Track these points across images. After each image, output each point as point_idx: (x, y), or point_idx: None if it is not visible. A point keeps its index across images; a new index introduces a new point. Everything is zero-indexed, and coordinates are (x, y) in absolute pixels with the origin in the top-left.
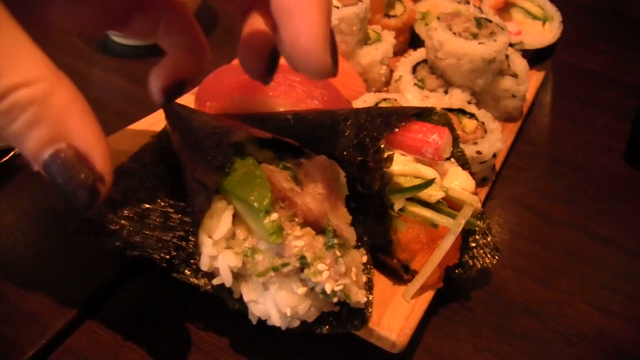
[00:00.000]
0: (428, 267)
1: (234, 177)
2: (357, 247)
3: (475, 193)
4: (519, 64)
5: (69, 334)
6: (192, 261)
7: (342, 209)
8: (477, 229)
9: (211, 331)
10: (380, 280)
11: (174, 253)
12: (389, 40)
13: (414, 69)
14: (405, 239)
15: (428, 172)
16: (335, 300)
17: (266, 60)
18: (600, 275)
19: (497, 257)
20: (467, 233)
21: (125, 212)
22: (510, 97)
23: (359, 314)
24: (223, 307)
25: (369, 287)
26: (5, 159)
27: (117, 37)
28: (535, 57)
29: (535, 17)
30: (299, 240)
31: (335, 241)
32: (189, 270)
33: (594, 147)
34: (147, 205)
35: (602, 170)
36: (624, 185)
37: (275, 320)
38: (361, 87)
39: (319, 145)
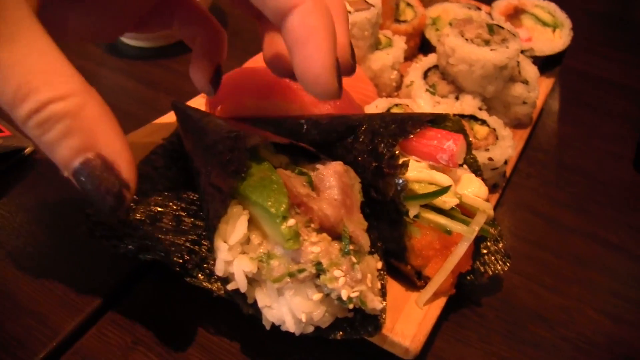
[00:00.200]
0: (442, 274)
1: (250, 182)
2: (370, 253)
3: (488, 200)
4: (530, 70)
5: (80, 336)
6: (205, 265)
7: (357, 215)
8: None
9: (222, 335)
10: (393, 287)
11: (187, 257)
12: (400, 45)
13: (425, 75)
14: (419, 246)
15: (443, 179)
16: (351, 306)
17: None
18: (610, 283)
19: (508, 264)
20: (478, 240)
21: (137, 215)
22: (521, 103)
23: (373, 320)
24: (234, 312)
25: (383, 293)
26: (13, 160)
27: (126, 39)
28: (544, 64)
29: (545, 24)
30: (315, 247)
31: (351, 247)
32: (202, 275)
33: (603, 154)
34: (159, 209)
35: (611, 177)
36: (633, 192)
37: (290, 325)
38: (372, 92)
39: (333, 150)
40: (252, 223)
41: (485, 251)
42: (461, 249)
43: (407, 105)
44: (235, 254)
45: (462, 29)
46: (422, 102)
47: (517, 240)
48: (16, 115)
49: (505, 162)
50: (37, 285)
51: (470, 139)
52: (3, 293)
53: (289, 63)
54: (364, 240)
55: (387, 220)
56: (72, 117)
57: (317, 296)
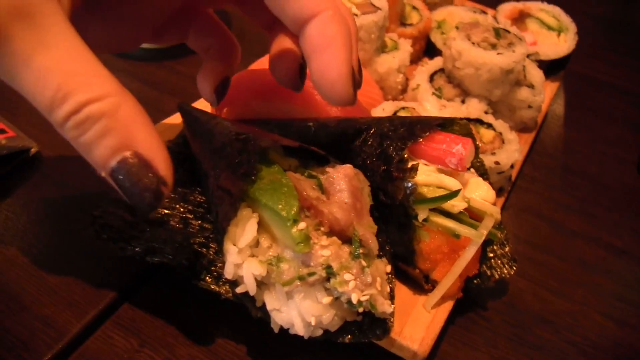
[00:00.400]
0: (450, 278)
1: (260, 184)
2: (379, 256)
3: (495, 203)
4: (535, 74)
5: (85, 338)
6: (213, 268)
7: (367, 218)
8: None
9: (228, 338)
10: (401, 290)
11: (194, 260)
12: (405, 48)
13: (431, 78)
14: (428, 249)
15: (451, 183)
16: (360, 310)
17: (297, 71)
18: (615, 287)
19: (514, 268)
20: (485, 243)
21: (144, 217)
22: (526, 107)
23: (381, 324)
24: (240, 315)
25: (391, 296)
26: (17, 161)
27: None
28: (549, 68)
29: (550, 28)
30: (325, 250)
31: (361, 251)
32: (210, 277)
33: (608, 158)
34: (167, 211)
35: (615, 182)
36: (637, 196)
37: (299, 329)
38: (378, 95)
39: (341, 153)
40: (261, 226)
41: (491, 255)
42: (469, 253)
43: (414, 109)
44: (245, 256)
45: (469, 32)
46: (429, 106)
47: (523, 244)
48: (54, 118)
49: (512, 166)
50: (43, 287)
51: (477, 143)
52: (8, 295)
53: (295, 75)
54: (374, 244)
55: (396, 223)
56: (109, 117)
57: (326, 299)
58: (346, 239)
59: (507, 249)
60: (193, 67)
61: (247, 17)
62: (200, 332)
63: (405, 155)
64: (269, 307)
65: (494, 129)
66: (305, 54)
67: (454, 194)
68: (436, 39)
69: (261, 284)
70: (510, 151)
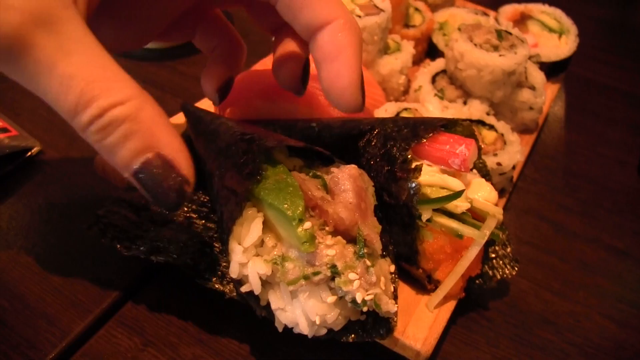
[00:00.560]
0: (452, 277)
1: (266, 184)
2: (382, 256)
3: (497, 204)
4: (537, 76)
5: (88, 337)
6: (217, 267)
7: (371, 218)
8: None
9: (232, 337)
10: (404, 290)
11: (198, 259)
12: (408, 50)
13: (433, 79)
14: (431, 249)
15: (455, 184)
16: (365, 309)
17: (300, 76)
18: (616, 288)
19: (516, 268)
20: (487, 244)
21: (148, 216)
22: (528, 109)
23: (385, 323)
24: (244, 314)
25: (395, 296)
26: (20, 160)
27: None
28: (550, 70)
29: (551, 30)
30: (330, 249)
31: (366, 250)
32: (214, 277)
33: (609, 160)
34: None
35: (616, 184)
36: (638, 198)
37: (303, 328)
38: (381, 97)
39: (345, 153)
40: (266, 226)
41: (493, 255)
42: (472, 253)
43: (417, 110)
44: (250, 256)
45: (471, 34)
46: (431, 107)
47: (524, 245)
48: (77, 123)
49: (513, 167)
50: (46, 286)
51: (480, 144)
52: (13, 294)
53: (298, 80)
54: (378, 244)
55: (399, 223)
56: (132, 120)
57: (331, 299)
58: (351, 239)
59: (508, 249)
60: (195, 67)
61: (252, 19)
62: (204, 331)
63: (409, 156)
64: (273, 306)
65: (495, 130)
66: (315, 61)
67: (457, 195)
68: (438, 40)
69: (265, 283)
70: (512, 152)
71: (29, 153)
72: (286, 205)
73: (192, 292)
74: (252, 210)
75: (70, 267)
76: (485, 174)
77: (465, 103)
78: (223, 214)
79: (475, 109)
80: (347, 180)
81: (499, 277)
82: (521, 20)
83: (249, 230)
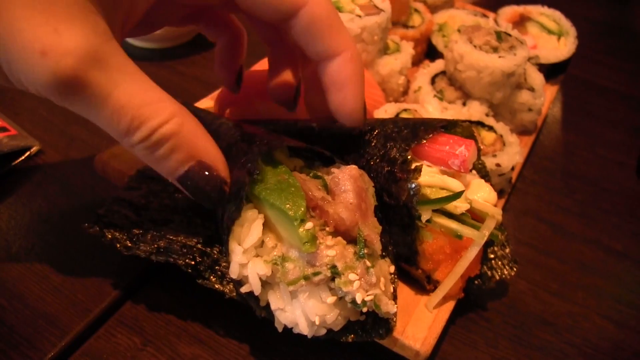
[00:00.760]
0: (452, 278)
1: (267, 185)
2: (382, 256)
3: (496, 205)
4: (536, 77)
5: (88, 337)
6: (217, 267)
7: (372, 218)
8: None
9: (231, 337)
10: (403, 290)
11: (199, 259)
12: (407, 50)
13: (433, 80)
14: (431, 250)
15: (454, 184)
16: (365, 309)
17: (292, 97)
18: (615, 289)
19: (515, 269)
20: (486, 244)
21: (149, 216)
22: (527, 110)
23: (384, 323)
24: (244, 314)
25: (394, 296)
26: (19, 160)
27: (132, 40)
28: (549, 72)
29: (550, 32)
30: (331, 250)
31: (366, 251)
32: (214, 277)
33: (607, 162)
34: (171, 210)
35: (615, 185)
36: (636, 200)
37: (303, 328)
38: (380, 97)
39: (345, 154)
40: (266, 226)
41: (492, 256)
42: (471, 254)
43: (416, 110)
44: (250, 256)
45: (471, 35)
46: (431, 108)
47: (523, 245)
48: (127, 142)
49: (512, 168)
50: (46, 286)
51: (479, 145)
52: (12, 293)
53: (291, 100)
54: (378, 244)
55: (399, 224)
56: (176, 135)
57: (331, 299)
58: (351, 239)
59: (507, 250)
60: (195, 67)
61: (253, 29)
62: (203, 331)
63: (409, 157)
64: (273, 306)
65: (495, 132)
66: (324, 85)
67: (457, 195)
68: (437, 41)
69: (265, 283)
70: (511, 153)
71: (28, 152)
72: (288, 206)
73: (191, 292)
74: (253, 211)
75: (70, 266)
76: (484, 174)
77: (464, 104)
78: (223, 214)
79: (475, 110)
80: (348, 181)
81: (497, 277)
82: (520, 22)
83: (250, 230)
